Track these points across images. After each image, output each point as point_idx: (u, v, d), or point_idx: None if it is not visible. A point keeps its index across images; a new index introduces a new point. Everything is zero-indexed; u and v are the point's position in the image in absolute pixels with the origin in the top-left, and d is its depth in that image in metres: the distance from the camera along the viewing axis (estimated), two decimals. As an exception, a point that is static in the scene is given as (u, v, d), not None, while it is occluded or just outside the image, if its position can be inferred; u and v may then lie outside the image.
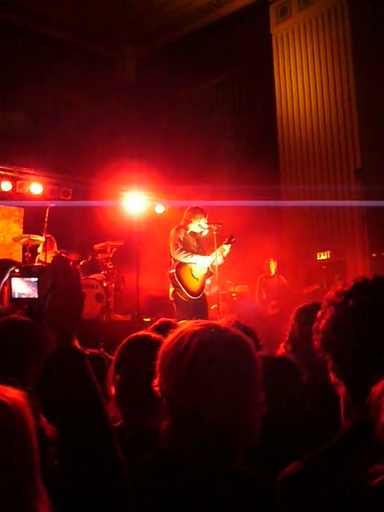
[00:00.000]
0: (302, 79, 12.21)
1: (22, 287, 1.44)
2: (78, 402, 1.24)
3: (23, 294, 1.44)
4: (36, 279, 1.42)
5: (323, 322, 1.47)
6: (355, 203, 10.65)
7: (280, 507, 1.33)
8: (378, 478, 1.12)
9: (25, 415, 1.16)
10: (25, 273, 1.44)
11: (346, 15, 11.51)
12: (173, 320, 3.30)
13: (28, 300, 1.43)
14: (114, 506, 1.21)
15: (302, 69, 12.23)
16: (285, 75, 12.50)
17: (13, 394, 1.17)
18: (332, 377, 1.48)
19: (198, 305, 7.31)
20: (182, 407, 1.36)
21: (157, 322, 3.10)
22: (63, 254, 9.09)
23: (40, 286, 1.41)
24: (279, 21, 12.63)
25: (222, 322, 3.25)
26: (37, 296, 1.41)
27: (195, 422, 1.34)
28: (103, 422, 1.26)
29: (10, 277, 1.43)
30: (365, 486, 1.15)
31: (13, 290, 1.44)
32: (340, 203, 10.96)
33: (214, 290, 8.24)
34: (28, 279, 1.44)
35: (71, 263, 1.43)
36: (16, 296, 1.44)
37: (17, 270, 1.45)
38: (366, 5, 11.71)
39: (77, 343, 1.33)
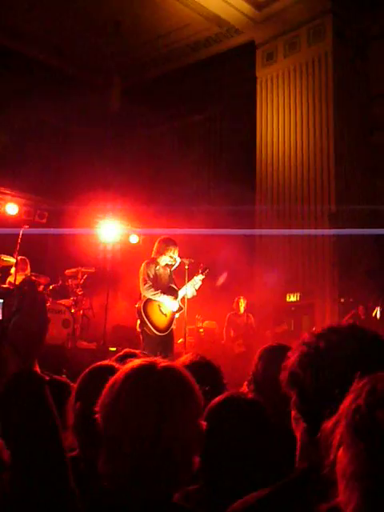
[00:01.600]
0: (283, 122, 12.45)
1: (-13, 308, 1.43)
2: (33, 428, 1.23)
3: (-13, 315, 1.43)
4: (1, 301, 1.42)
5: (292, 358, 1.52)
6: (326, 249, 10.81)
7: None
8: None
9: None
10: (-10, 294, 1.43)
11: (330, 64, 11.83)
12: (137, 351, 3.27)
13: (-8, 321, 1.42)
14: None
15: (284, 112, 12.48)
16: (267, 117, 12.74)
17: None
18: (293, 412, 1.51)
19: (164, 339, 7.26)
20: (108, 439, 1.37)
21: (121, 353, 3.07)
22: (33, 278, 9.03)
23: (5, 308, 1.40)
24: (265, 64, 12.93)
25: (185, 357, 3.25)
26: (1, 317, 1.40)
27: (118, 454, 1.36)
28: (58, 450, 1.25)
29: (-24, 298, 1.42)
30: None
31: (-23, 311, 1.42)
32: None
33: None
34: (-7, 301, 1.43)
35: (39, 288, 1.43)
36: (-20, 317, 1.43)
37: (-18, 291, 1.44)
38: (350, 55, 12.07)
39: (37, 368, 1.32)
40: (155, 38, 13.21)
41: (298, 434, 1.50)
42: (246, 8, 12.20)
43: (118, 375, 1.45)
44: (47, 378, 1.31)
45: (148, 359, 1.50)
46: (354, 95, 11.98)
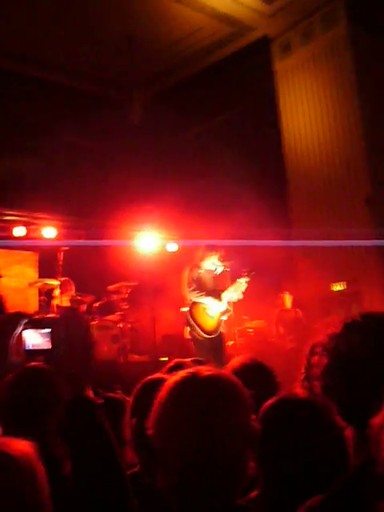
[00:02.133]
0: (308, 113, 12.32)
1: (35, 338, 1.47)
2: (90, 451, 1.25)
3: (37, 345, 1.47)
4: (48, 330, 1.45)
5: (320, 368, 1.49)
6: (367, 243, 10.63)
7: None
8: None
9: (34, 467, 1.17)
10: (37, 324, 1.47)
11: (347, 48, 11.66)
12: (187, 360, 3.28)
13: (42, 351, 1.46)
14: None
15: (308, 103, 12.35)
16: (290, 110, 12.64)
17: (21, 446, 1.17)
18: (339, 420, 1.49)
19: (214, 343, 7.28)
20: (159, 453, 1.38)
21: (171, 364, 3.09)
22: (78, 297, 9.14)
23: (53, 337, 1.43)
24: (282, 57, 12.84)
25: (235, 360, 3.25)
26: (50, 347, 1.43)
27: (169, 468, 1.36)
28: (116, 469, 1.27)
29: (23, 329, 1.45)
30: None
31: (26, 342, 1.46)
32: (351, 243, 10.91)
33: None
34: (41, 330, 1.46)
35: (82, 312, 1.45)
36: (30, 347, 1.47)
37: (28, 323, 1.47)
38: (366, 36, 11.88)
39: (90, 393, 1.35)
40: (168, 46, 13.26)
41: (348, 434, 1.49)
42: (256, 3, 12.13)
43: (163, 389, 1.46)
44: (100, 401, 1.34)
45: (191, 370, 1.50)
46: (377, 76, 11.77)
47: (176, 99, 14.02)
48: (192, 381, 1.44)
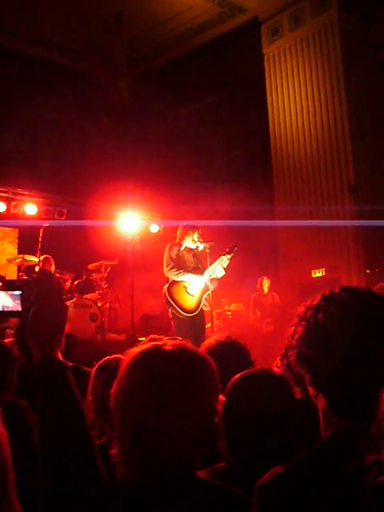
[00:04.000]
0: (295, 97, 12.31)
1: (6, 300, 1.44)
2: (59, 413, 1.24)
3: (7, 306, 1.44)
4: (19, 292, 1.43)
5: (296, 337, 1.48)
6: (349, 223, 10.70)
7: None
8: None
9: None
10: (8, 286, 1.45)
11: (337, 34, 11.65)
12: (161, 337, 3.28)
13: (12, 313, 1.44)
14: None
15: (294, 87, 12.33)
16: (277, 94, 12.61)
17: None
18: (310, 390, 1.49)
19: (194, 322, 7.25)
20: (129, 425, 1.35)
21: (146, 340, 3.08)
22: (57, 275, 9.10)
23: (23, 300, 1.41)
24: (271, 40, 12.77)
25: (212, 338, 3.25)
26: (20, 309, 1.41)
27: (141, 439, 1.34)
28: (83, 432, 1.26)
29: (-7, 291, 1.43)
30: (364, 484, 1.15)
31: (-3, 304, 1.44)
32: (334, 223, 10.98)
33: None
34: (11, 292, 1.44)
35: (54, 277, 1.43)
36: (0, 309, 1.44)
37: (0, 284, 1.45)
38: (356, 23, 11.86)
39: (60, 355, 1.33)
40: (157, 25, 13.12)
41: (319, 406, 1.49)
42: (247, -16, 12.07)
43: (125, 359, 1.44)
44: (70, 364, 1.32)
45: (154, 342, 1.48)
46: (364, 63, 11.78)
47: (162, 79, 13.92)
48: (152, 352, 1.42)
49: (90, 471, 1.23)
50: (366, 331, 1.39)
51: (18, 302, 1.42)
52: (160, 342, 1.46)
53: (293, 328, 1.53)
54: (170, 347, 1.43)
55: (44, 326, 1.33)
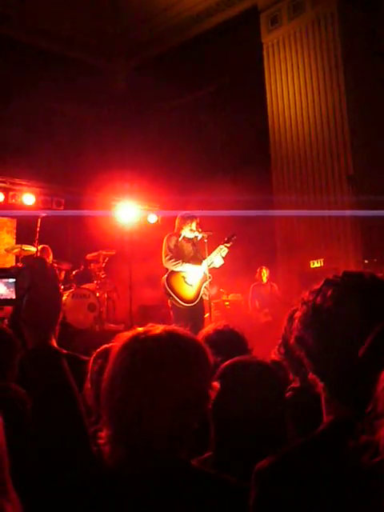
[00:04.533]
0: (294, 87, 12.26)
1: (0, 288, 1.43)
2: (52, 399, 1.24)
3: (1, 294, 1.43)
4: (13, 280, 1.42)
5: (296, 321, 1.48)
6: (348, 213, 10.68)
7: (255, 501, 1.32)
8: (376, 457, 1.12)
9: None
10: (2, 274, 1.43)
11: (336, 23, 11.58)
12: (160, 326, 3.29)
13: (6, 301, 1.43)
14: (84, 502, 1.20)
15: (294, 77, 12.28)
16: (276, 83, 12.55)
17: None
18: (310, 375, 1.48)
19: (193, 311, 7.26)
20: (113, 408, 1.35)
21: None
22: (55, 265, 9.08)
23: (17, 287, 1.40)
24: (270, 30, 12.70)
25: (210, 326, 3.24)
26: (14, 297, 1.40)
27: (124, 422, 1.33)
28: (77, 419, 1.25)
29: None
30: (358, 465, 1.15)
31: (-9, 291, 1.43)
32: (333, 213, 10.97)
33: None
34: (5, 280, 1.43)
35: (49, 264, 1.42)
36: (-5, 296, 1.43)
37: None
38: (355, 12, 11.80)
39: (54, 343, 1.32)
40: (156, 14, 13.06)
41: (320, 391, 1.48)
42: (246, -29, 12.00)
43: (114, 345, 1.44)
44: (64, 352, 1.32)
45: (141, 329, 1.47)
46: (363, 52, 11.73)
47: (161, 68, 13.84)
48: (140, 336, 1.41)
49: (82, 456, 1.23)
50: (364, 313, 1.38)
51: (13, 289, 1.41)
52: (150, 327, 1.45)
53: (297, 312, 1.52)
54: (158, 331, 1.42)
55: (38, 313, 1.33)
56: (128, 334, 1.43)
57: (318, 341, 1.40)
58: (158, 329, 1.44)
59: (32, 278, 1.36)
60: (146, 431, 1.32)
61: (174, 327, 1.47)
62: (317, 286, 1.48)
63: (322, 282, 1.49)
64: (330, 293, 1.43)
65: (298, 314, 1.48)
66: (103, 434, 1.36)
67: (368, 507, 1.14)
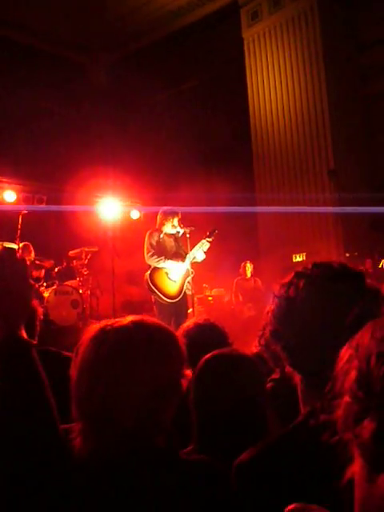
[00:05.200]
0: (274, 81, 12.29)
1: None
2: (22, 391, 1.22)
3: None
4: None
5: (269, 314, 1.47)
6: (330, 209, 10.74)
7: (237, 494, 1.32)
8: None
9: None
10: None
11: (316, 17, 11.63)
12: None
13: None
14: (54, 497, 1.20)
15: (274, 71, 12.30)
16: (257, 78, 12.57)
17: None
18: (286, 367, 1.48)
19: (177, 307, 7.26)
20: (89, 403, 1.33)
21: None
22: (37, 262, 9.01)
23: (-13, 279, 1.38)
24: (250, 24, 12.71)
25: (190, 320, 3.23)
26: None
27: (103, 416, 1.32)
28: (47, 411, 1.24)
29: None
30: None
31: None
32: (314, 209, 11.02)
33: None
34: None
35: (18, 254, 1.41)
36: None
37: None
38: (335, 7, 11.84)
39: (24, 334, 1.31)
40: (137, 8, 13.01)
41: (296, 383, 1.48)
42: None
43: (83, 337, 1.43)
44: (34, 342, 1.30)
45: (106, 321, 1.45)
46: (343, 46, 11.80)
47: (142, 64, 13.80)
48: (106, 327, 1.40)
49: (50, 447, 1.22)
50: (336, 303, 1.37)
51: (-19, 280, 1.40)
52: (118, 319, 1.44)
53: (268, 306, 1.52)
54: (124, 322, 1.41)
55: (7, 303, 1.31)
56: (95, 327, 1.42)
57: (292, 334, 1.40)
58: (126, 320, 1.42)
59: (1, 269, 1.34)
60: (115, 421, 1.31)
61: (142, 317, 1.46)
62: (287, 280, 1.48)
63: (291, 274, 1.48)
64: (301, 285, 1.42)
65: (271, 307, 1.47)
66: (75, 427, 1.34)
67: (329, 486, 1.15)
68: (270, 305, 1.50)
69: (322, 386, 1.39)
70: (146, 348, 1.37)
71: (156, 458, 1.34)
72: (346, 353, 1.13)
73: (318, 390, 1.38)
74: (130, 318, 1.43)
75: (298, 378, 1.46)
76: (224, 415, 1.83)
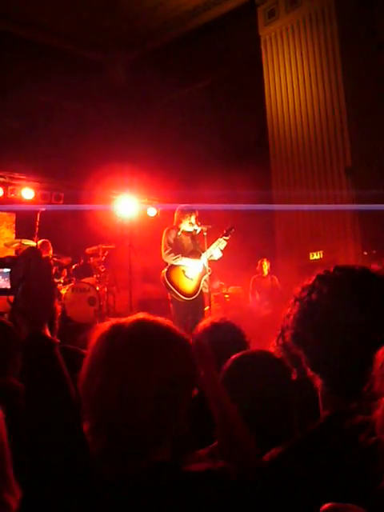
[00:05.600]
0: (292, 80, 12.24)
1: (-5, 278, 1.44)
2: (45, 388, 1.24)
3: (-4, 284, 1.44)
4: (8, 270, 1.43)
5: (291, 317, 1.48)
6: (347, 206, 10.69)
7: (259, 497, 1.32)
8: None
9: None
10: (-3, 264, 1.45)
11: (333, 15, 11.55)
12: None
13: (1, 290, 1.44)
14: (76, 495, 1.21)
15: (291, 69, 12.26)
16: (274, 76, 12.53)
17: None
18: (308, 370, 1.48)
19: (193, 305, 7.27)
20: (103, 399, 1.34)
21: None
22: (55, 259, 9.09)
23: (12, 277, 1.41)
24: (267, 22, 12.67)
25: (207, 320, 3.24)
26: (9, 286, 1.42)
27: (117, 411, 1.32)
28: (70, 409, 1.26)
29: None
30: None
31: (-15, 282, 1.44)
32: (331, 207, 10.98)
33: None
34: (1, 270, 1.44)
35: (43, 255, 1.43)
36: (-11, 287, 1.45)
37: (-12, 262, 1.45)
38: (353, 5, 11.76)
39: (47, 332, 1.34)
40: (154, 7, 13.02)
41: (317, 385, 1.48)
42: (243, -34, 11.96)
43: (92, 336, 1.44)
44: (58, 341, 1.33)
45: (118, 319, 1.46)
46: (361, 45, 11.70)
47: (159, 62, 13.81)
48: (116, 324, 1.41)
49: (75, 445, 1.24)
50: (359, 309, 1.38)
51: (7, 279, 1.43)
52: (125, 319, 1.45)
53: (289, 308, 1.52)
54: (134, 319, 1.43)
55: (32, 302, 1.34)
56: (106, 324, 1.44)
57: (316, 338, 1.40)
58: (135, 316, 1.44)
59: (26, 268, 1.37)
60: (130, 416, 1.32)
61: (148, 316, 1.47)
62: (308, 282, 1.48)
63: (313, 277, 1.48)
64: (325, 289, 1.42)
65: (293, 311, 1.47)
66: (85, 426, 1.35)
67: (367, 487, 1.15)
68: (291, 307, 1.51)
69: (346, 389, 1.39)
70: (160, 342, 1.38)
71: (166, 469, 1.33)
72: (382, 355, 1.14)
73: (342, 393, 1.39)
74: (140, 315, 1.44)
75: (319, 382, 1.47)
76: (251, 414, 1.83)
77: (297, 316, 1.47)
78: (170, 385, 1.35)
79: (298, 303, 1.48)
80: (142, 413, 1.32)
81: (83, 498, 1.21)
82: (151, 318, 1.45)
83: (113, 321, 1.45)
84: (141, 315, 1.45)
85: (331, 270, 1.52)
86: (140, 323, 1.42)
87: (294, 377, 2.55)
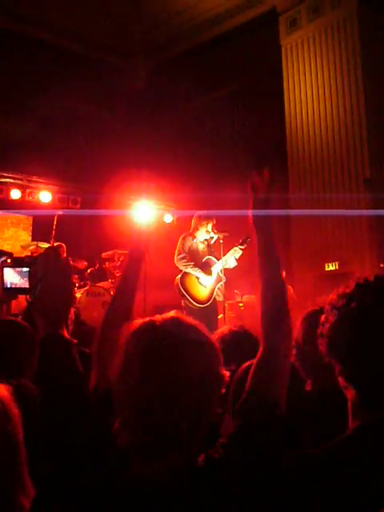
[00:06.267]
0: (312, 90, 12.20)
1: (14, 277, 1.44)
2: (61, 386, 1.24)
3: (15, 283, 1.44)
4: (27, 269, 1.43)
5: (327, 326, 1.45)
6: (364, 212, 10.62)
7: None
8: None
9: (8, 409, 1.15)
10: (17, 263, 1.45)
11: (356, 25, 11.52)
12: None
13: (19, 290, 1.44)
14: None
15: (312, 80, 12.22)
16: (294, 86, 12.51)
17: None
18: (340, 381, 1.45)
19: (206, 312, 7.27)
20: (143, 392, 1.32)
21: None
22: (71, 262, 9.16)
23: (31, 277, 1.41)
24: (289, 32, 12.66)
25: (224, 327, 3.23)
26: (28, 286, 1.42)
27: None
28: (84, 406, 1.26)
29: (2, 267, 1.44)
30: None
31: (5, 280, 1.44)
32: (348, 213, 10.91)
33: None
34: (20, 269, 1.44)
35: (62, 256, 1.43)
36: (8, 285, 1.45)
37: (9, 260, 1.45)
38: (376, 15, 11.72)
39: (65, 332, 1.33)
40: (175, 14, 13.08)
41: (349, 396, 1.45)
42: (266, -26, 11.98)
43: (123, 334, 1.43)
44: (75, 341, 1.32)
45: (148, 319, 1.46)
46: (383, 56, 11.65)
47: (179, 69, 13.85)
48: (152, 320, 1.41)
49: (91, 443, 1.23)
50: None
51: (26, 279, 1.43)
52: (154, 318, 1.45)
53: (324, 316, 1.49)
54: (164, 318, 1.42)
55: (51, 302, 1.34)
56: (138, 321, 1.44)
57: (355, 347, 1.37)
58: (168, 314, 1.44)
59: (46, 268, 1.37)
60: (168, 411, 1.31)
61: (180, 315, 1.47)
62: (347, 289, 1.45)
63: (352, 285, 1.45)
64: (365, 298, 1.39)
65: (330, 319, 1.45)
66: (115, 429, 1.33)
67: None
68: (327, 315, 1.48)
69: (379, 401, 1.36)
70: (197, 339, 1.38)
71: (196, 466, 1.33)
72: None
73: (376, 405, 1.36)
74: (173, 313, 1.45)
75: (351, 392, 1.43)
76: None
77: (334, 324, 1.44)
78: (207, 381, 1.35)
79: (335, 311, 1.45)
80: (182, 407, 1.32)
81: (108, 495, 1.20)
82: (183, 316, 1.46)
83: (143, 320, 1.45)
84: (173, 313, 1.46)
85: (370, 278, 1.49)
86: (175, 320, 1.42)
87: (310, 388, 2.53)
